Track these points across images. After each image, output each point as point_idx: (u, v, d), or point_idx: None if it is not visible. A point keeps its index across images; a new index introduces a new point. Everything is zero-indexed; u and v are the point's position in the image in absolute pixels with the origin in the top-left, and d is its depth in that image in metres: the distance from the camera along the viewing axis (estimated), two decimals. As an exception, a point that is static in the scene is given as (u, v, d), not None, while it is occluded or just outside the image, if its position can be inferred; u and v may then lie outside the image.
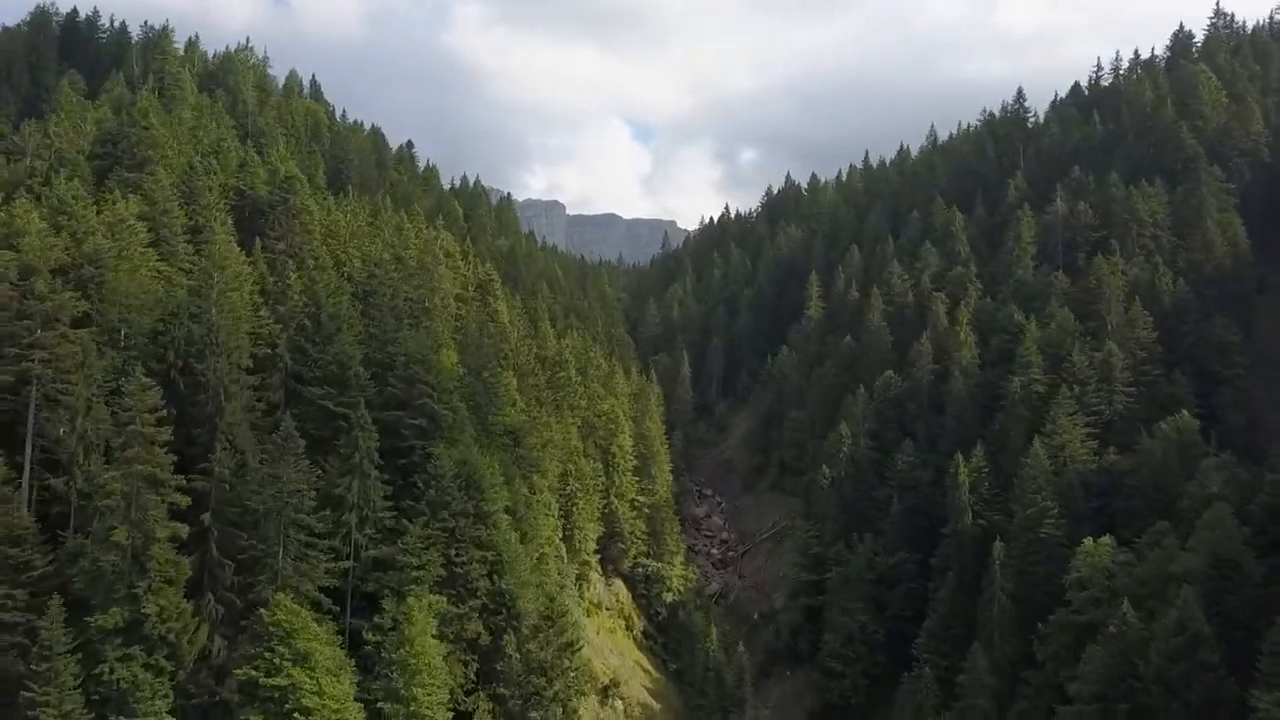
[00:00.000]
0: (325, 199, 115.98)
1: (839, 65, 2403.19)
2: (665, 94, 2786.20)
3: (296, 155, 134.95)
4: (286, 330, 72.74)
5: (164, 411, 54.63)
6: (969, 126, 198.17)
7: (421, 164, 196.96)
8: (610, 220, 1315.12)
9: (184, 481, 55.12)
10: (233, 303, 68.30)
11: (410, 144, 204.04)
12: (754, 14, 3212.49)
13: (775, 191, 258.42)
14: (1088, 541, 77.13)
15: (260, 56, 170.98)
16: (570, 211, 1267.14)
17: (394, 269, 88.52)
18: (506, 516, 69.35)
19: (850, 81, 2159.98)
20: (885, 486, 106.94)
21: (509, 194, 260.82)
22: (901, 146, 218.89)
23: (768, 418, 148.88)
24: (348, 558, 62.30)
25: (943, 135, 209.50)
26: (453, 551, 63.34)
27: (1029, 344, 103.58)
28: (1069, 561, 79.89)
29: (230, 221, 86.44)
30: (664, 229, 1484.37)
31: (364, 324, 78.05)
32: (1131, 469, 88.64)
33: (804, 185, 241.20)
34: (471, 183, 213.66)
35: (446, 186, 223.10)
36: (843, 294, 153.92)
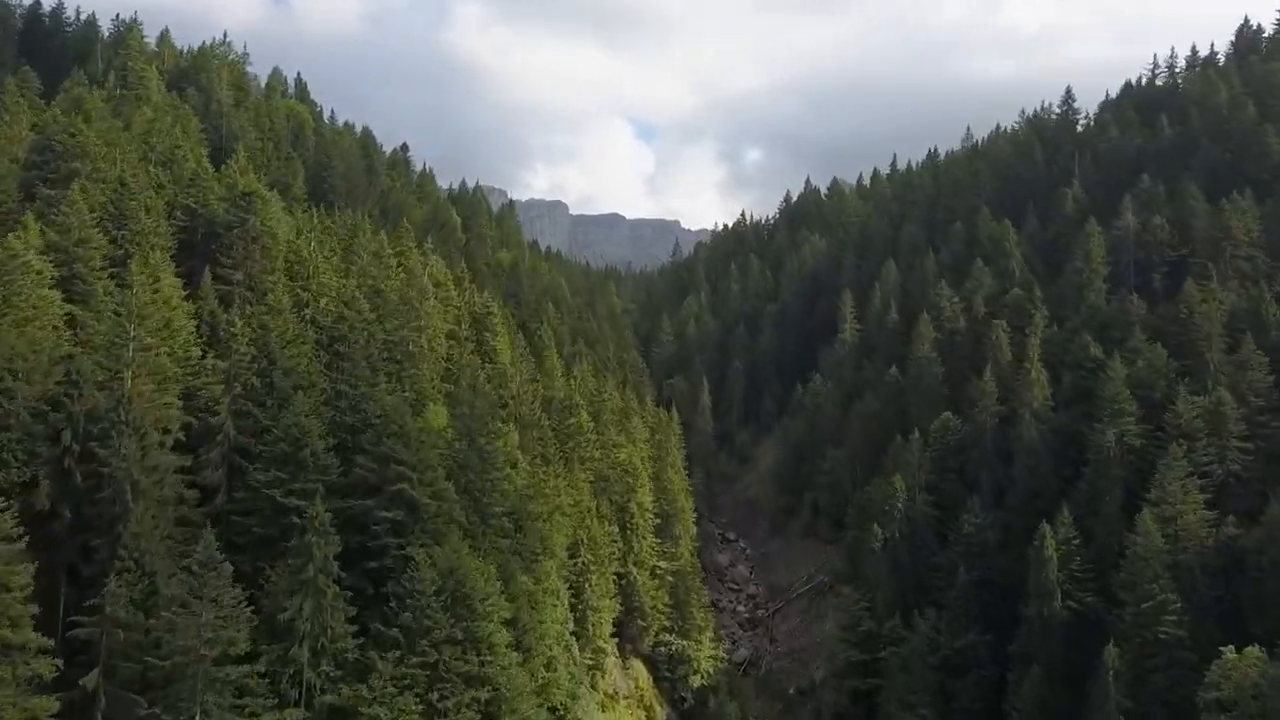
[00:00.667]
0: (298, 215, 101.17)
1: (843, 63, 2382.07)
2: (668, 92, 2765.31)
3: (273, 162, 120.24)
4: (230, 391, 57.86)
5: (20, 543, 39.48)
6: (1007, 128, 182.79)
7: (419, 167, 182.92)
8: (614, 220, 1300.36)
9: (49, 643, 39.89)
10: (157, 362, 53.40)
11: (405, 147, 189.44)
12: (757, 12, 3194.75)
13: (794, 196, 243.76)
14: (1229, 653, 62.03)
15: (240, 52, 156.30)
16: (573, 211, 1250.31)
17: (371, 308, 73.36)
18: (505, 633, 54.35)
19: (855, 80, 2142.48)
20: (948, 551, 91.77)
21: (511, 199, 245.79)
22: (931, 149, 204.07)
23: (798, 451, 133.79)
24: (296, 703, 47.41)
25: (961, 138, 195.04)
26: (435, 695, 48.35)
27: (1117, 386, 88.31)
28: (1196, 667, 65.23)
29: (171, 250, 71.29)
30: (668, 229, 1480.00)
31: (330, 380, 63.11)
32: (1259, 546, 73.55)
33: (825, 189, 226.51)
34: (471, 187, 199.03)
35: (445, 191, 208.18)
36: (880, 314, 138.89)
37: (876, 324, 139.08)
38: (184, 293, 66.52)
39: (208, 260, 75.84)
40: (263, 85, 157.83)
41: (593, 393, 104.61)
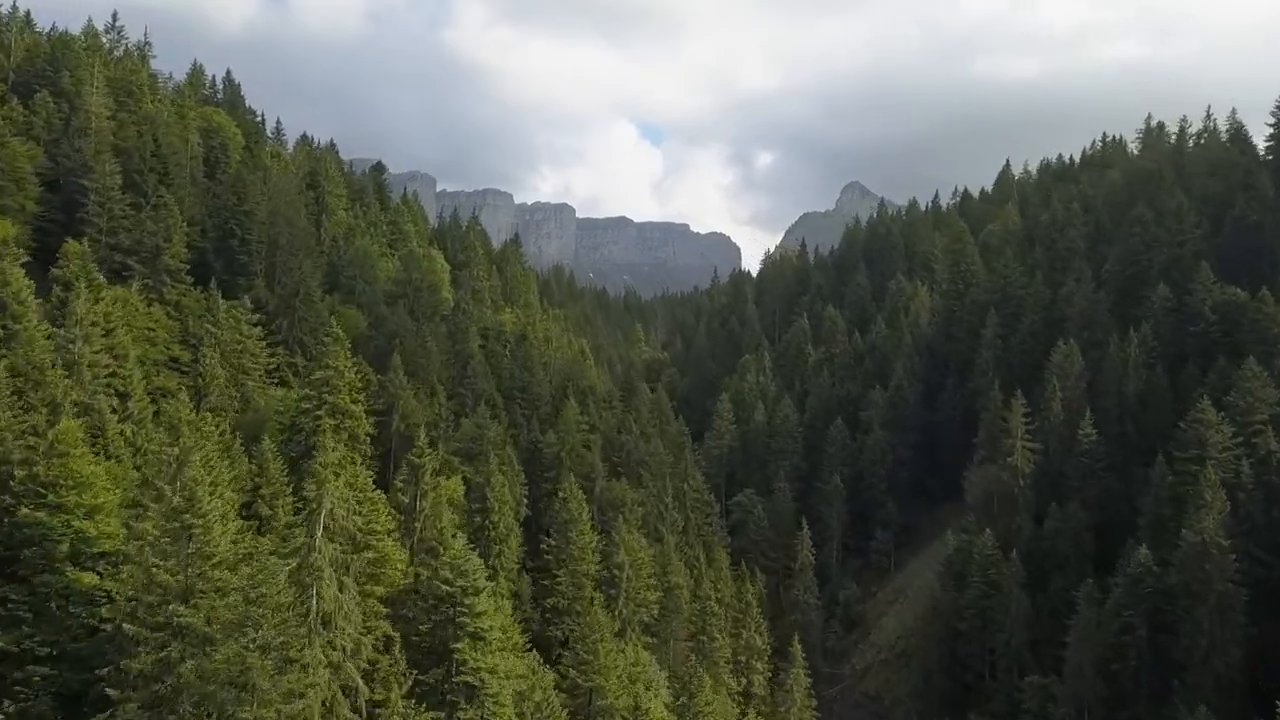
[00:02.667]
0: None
1: (860, 64, 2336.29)
2: (676, 94, 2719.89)
3: (147, 218, 77.77)
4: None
5: None
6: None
7: (408, 182, 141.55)
8: (621, 223, 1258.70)
9: None
10: None
11: (381, 168, 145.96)
12: (768, 12, 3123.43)
13: (863, 221, 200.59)
14: None
15: (138, 42, 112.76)
16: (580, 215, 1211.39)
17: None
18: None
19: (873, 81, 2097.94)
20: None
21: (516, 234, 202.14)
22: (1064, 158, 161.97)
23: (943, 616, 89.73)
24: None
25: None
26: None
27: None
28: None
29: None
30: (677, 232, 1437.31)
31: None
32: None
33: (894, 206, 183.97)
34: (465, 222, 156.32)
35: (437, 221, 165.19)
36: (1055, 414, 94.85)
37: (1051, 430, 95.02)
38: None
39: None
40: (173, 84, 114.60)
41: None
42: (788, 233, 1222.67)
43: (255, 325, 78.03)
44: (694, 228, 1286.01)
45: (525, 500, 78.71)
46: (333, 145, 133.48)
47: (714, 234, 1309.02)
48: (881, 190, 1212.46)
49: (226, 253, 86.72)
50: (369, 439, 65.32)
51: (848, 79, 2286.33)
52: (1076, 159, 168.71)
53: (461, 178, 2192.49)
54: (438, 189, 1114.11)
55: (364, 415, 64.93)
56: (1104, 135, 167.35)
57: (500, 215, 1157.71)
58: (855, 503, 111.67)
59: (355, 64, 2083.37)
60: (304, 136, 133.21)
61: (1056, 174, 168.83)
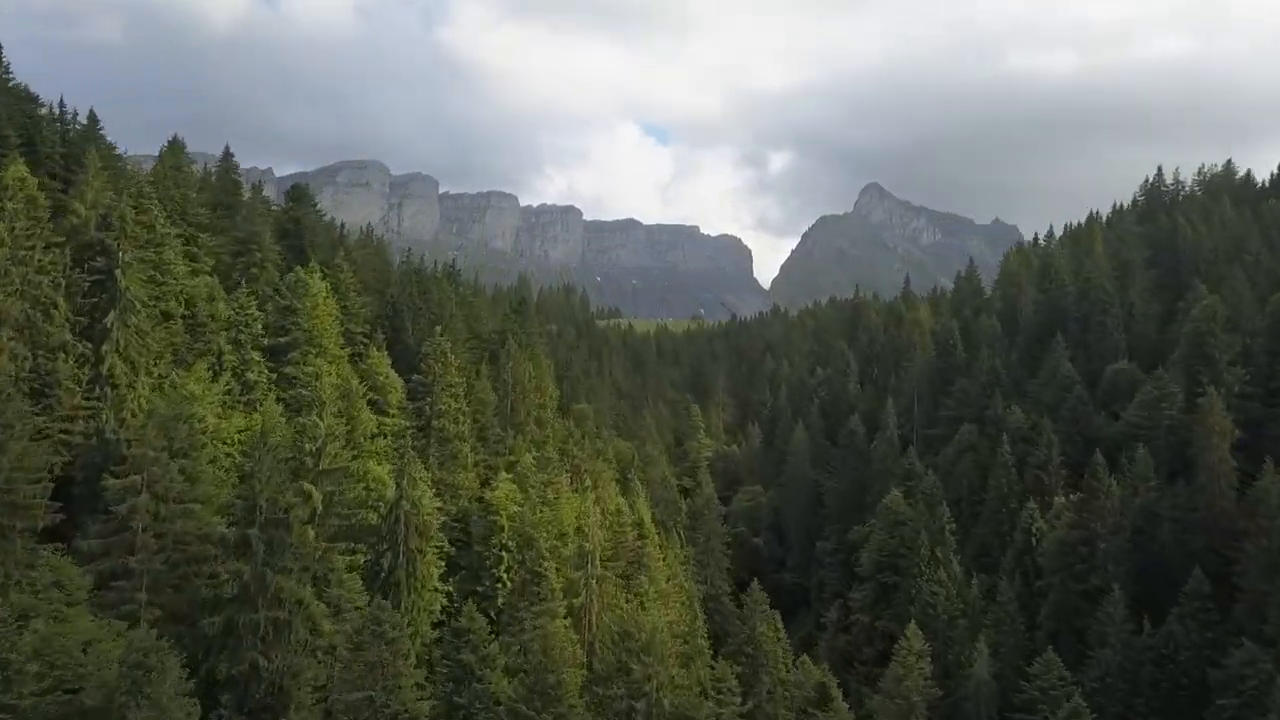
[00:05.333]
0: None
1: (883, 60, 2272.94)
2: (685, 93, 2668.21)
3: None
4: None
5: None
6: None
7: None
8: (629, 226, 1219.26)
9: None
10: None
11: (311, 195, 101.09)
12: (783, 7, 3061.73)
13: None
14: None
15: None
16: (587, 217, 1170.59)
17: None
18: None
19: (896, 78, 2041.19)
20: None
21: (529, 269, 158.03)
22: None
23: None
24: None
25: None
26: None
27: None
28: None
29: None
30: (686, 235, 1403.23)
31: None
32: None
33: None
34: (469, 274, 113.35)
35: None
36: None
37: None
38: None
39: None
40: None
41: None
42: (804, 236, 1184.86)
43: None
44: (704, 230, 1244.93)
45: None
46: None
47: (725, 236, 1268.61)
48: (902, 193, 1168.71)
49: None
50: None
51: (867, 76, 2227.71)
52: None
53: (464, 180, 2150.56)
54: (440, 191, 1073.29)
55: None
56: None
57: (505, 218, 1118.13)
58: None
59: (351, 64, 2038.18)
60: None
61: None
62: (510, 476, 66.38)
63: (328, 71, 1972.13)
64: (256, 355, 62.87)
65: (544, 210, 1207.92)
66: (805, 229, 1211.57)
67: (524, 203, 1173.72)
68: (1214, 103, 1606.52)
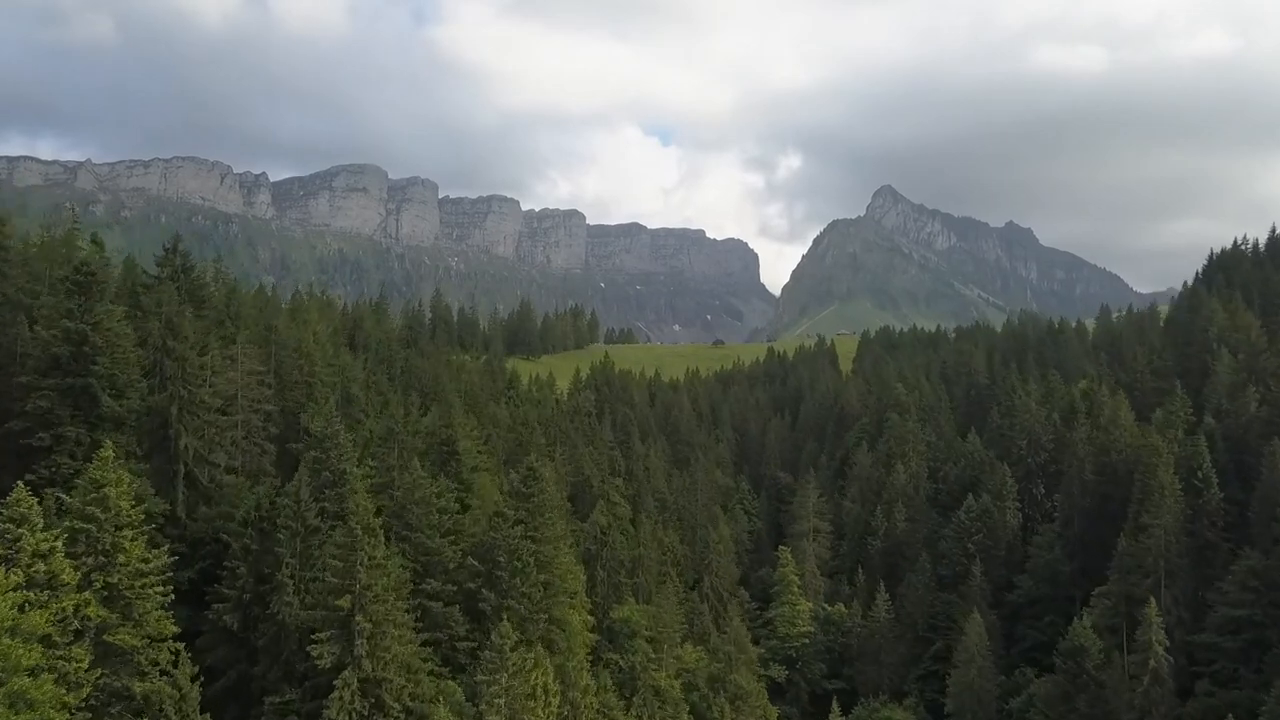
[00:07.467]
0: None
1: (901, 59, 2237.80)
2: (691, 94, 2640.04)
3: None
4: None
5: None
6: None
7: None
8: (633, 230, 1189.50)
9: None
10: None
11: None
12: (795, 4, 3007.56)
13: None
14: None
15: None
16: (590, 221, 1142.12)
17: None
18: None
19: (915, 77, 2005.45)
20: None
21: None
22: None
23: None
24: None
25: None
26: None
27: None
28: None
29: None
30: (692, 239, 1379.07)
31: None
32: None
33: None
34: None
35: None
36: None
37: None
38: None
39: None
40: None
41: None
42: (816, 240, 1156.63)
43: None
44: (710, 234, 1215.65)
45: None
46: None
47: (731, 240, 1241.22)
48: (916, 196, 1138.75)
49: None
50: None
51: (883, 74, 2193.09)
52: None
53: (465, 184, 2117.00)
54: (440, 196, 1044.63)
55: None
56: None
57: (506, 223, 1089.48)
58: None
59: (346, 65, 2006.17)
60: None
61: None
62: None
63: (321, 73, 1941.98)
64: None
65: (546, 214, 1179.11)
66: (813, 233, 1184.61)
67: (525, 207, 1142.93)
68: (1252, 103, 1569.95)
